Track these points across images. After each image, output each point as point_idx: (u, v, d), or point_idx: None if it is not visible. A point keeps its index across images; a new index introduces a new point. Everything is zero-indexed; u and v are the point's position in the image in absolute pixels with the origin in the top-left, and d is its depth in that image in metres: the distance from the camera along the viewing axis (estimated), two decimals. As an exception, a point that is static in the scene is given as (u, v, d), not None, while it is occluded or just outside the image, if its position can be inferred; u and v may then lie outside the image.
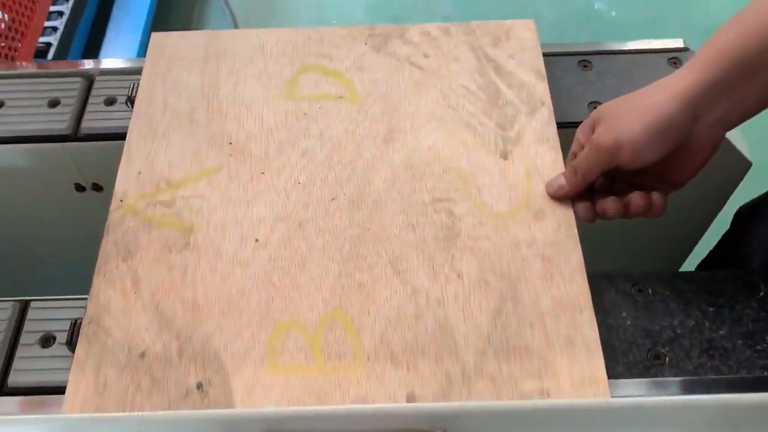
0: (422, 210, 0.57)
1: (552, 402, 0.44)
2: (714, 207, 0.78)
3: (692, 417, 0.40)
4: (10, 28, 1.09)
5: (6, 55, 1.05)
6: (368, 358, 0.50)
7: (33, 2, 1.16)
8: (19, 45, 1.08)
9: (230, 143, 0.62)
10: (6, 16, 1.08)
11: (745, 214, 0.72)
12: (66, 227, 0.77)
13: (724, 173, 0.72)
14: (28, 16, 1.12)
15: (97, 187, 0.73)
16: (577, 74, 0.71)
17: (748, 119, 0.53)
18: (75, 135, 0.67)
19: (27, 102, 0.69)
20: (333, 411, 0.41)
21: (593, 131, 0.54)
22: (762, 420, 0.40)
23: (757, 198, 0.71)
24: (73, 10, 1.42)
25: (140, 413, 0.46)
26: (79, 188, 0.73)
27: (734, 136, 0.68)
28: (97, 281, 0.54)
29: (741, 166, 0.70)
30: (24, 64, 1.01)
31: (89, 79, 0.71)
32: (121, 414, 0.46)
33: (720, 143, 0.53)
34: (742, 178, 0.72)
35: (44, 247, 0.81)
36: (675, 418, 0.40)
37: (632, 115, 0.52)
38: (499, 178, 0.59)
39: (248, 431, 0.41)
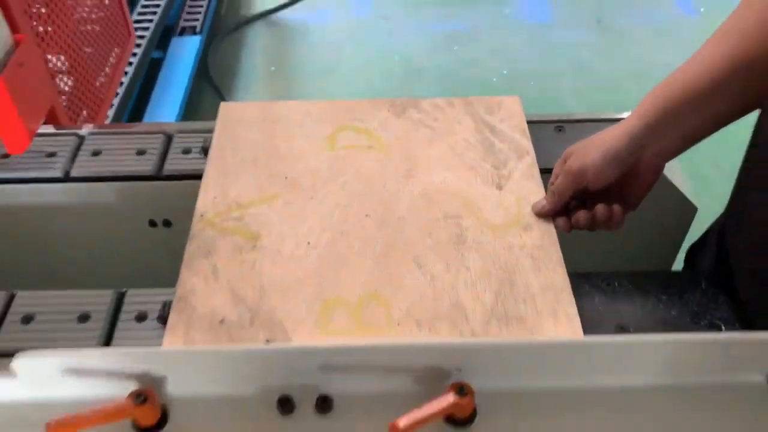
0: (436, 224, 0.73)
1: (541, 340, 0.58)
2: (669, 253, 0.94)
3: (652, 355, 0.53)
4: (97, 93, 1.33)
5: (92, 117, 1.27)
6: (398, 324, 0.64)
7: (114, 72, 1.41)
8: (100, 107, 1.30)
9: (285, 178, 0.79)
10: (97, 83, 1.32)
11: (693, 250, 0.87)
12: (138, 256, 0.92)
13: (674, 219, 0.88)
14: (110, 85, 1.36)
15: (167, 223, 0.89)
16: (553, 136, 0.89)
17: (680, 154, 0.70)
18: (158, 175, 0.85)
19: (119, 151, 0.87)
20: (365, 345, 0.54)
21: (565, 163, 0.72)
22: (705, 355, 0.54)
23: (702, 235, 0.87)
24: (131, 79, 1.73)
25: (225, 348, 0.58)
26: (152, 224, 0.89)
27: (682, 183, 0.86)
28: (185, 272, 0.69)
29: (688, 211, 0.87)
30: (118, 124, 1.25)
31: (168, 136, 0.90)
32: (208, 348, 0.59)
33: (661, 170, 0.70)
34: (690, 223, 0.89)
35: (118, 273, 0.95)
36: (637, 358, 0.54)
37: (593, 148, 0.69)
38: (496, 203, 0.76)
39: (305, 364, 0.53)
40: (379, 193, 0.78)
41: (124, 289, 0.71)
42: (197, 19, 2.43)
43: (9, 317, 0.69)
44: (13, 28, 0.80)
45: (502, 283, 0.67)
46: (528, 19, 2.97)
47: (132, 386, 0.51)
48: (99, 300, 0.70)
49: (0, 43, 0.69)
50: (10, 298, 0.70)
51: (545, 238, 0.72)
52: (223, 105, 0.90)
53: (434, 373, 0.52)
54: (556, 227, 0.73)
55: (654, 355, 0.53)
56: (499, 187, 0.78)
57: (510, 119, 0.88)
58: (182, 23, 2.41)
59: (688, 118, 0.67)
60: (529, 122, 0.87)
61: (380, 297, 0.67)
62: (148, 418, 0.51)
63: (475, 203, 0.76)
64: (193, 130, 0.91)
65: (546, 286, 0.67)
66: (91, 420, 0.48)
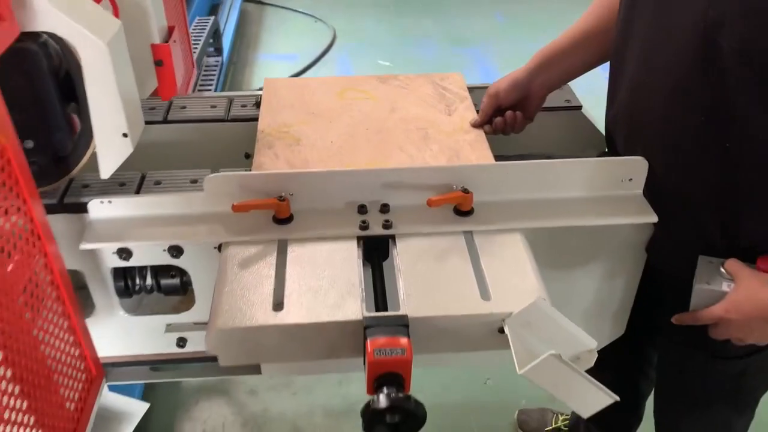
0: (410, 131, 1.20)
1: (515, 163, 1.04)
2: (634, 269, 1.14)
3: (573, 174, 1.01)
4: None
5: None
6: (400, 180, 1.11)
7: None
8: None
9: (312, 113, 1.25)
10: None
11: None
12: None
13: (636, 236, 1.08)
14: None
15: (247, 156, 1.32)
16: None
17: (557, 88, 1.22)
18: (225, 119, 1.29)
19: (200, 106, 1.31)
20: (407, 167, 0.99)
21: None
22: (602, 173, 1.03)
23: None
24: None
25: (327, 170, 1.01)
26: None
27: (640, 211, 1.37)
28: (255, 157, 1.12)
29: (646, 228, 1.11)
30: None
31: (230, 99, 1.34)
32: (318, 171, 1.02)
33: (545, 95, 1.21)
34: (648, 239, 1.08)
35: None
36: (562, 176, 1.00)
37: (504, 80, 1.20)
38: (447, 121, 1.24)
39: (373, 181, 0.98)
40: (374, 119, 1.25)
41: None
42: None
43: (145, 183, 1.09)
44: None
45: (452, 157, 1.14)
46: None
47: (275, 194, 0.96)
48: (202, 173, 1.11)
49: (162, 29, 1.12)
50: (143, 176, 1.10)
51: (478, 136, 1.20)
52: (266, 79, 1.35)
53: (448, 186, 0.98)
54: (485, 131, 1.22)
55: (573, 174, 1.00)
56: (449, 114, 1.27)
57: (455, 84, 1.37)
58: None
59: (557, 65, 1.19)
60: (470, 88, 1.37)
61: (378, 164, 1.13)
62: (284, 212, 0.95)
63: (434, 121, 1.24)
64: (246, 96, 1.35)
65: (479, 158, 1.16)
66: (256, 205, 0.93)
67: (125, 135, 0.94)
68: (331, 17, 4.31)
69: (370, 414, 0.74)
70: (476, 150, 1.16)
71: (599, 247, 1.07)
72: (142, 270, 1.10)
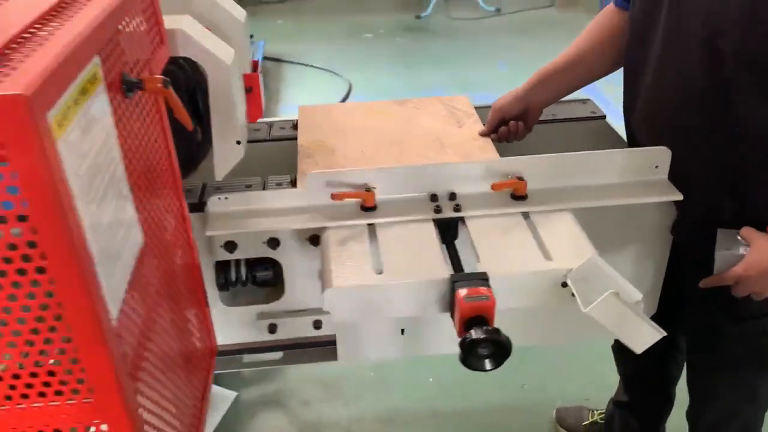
0: (427, 141, 1.39)
1: (556, 155, 1.24)
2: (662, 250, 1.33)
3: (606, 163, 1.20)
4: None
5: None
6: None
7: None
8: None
9: (342, 130, 1.45)
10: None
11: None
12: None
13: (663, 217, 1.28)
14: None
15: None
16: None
17: (552, 103, 1.42)
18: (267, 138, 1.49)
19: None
20: (472, 162, 1.19)
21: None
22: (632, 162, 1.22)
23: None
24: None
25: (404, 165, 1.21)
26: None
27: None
28: (299, 164, 1.30)
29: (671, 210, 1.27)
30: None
31: (270, 124, 1.55)
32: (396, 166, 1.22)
33: (542, 110, 1.41)
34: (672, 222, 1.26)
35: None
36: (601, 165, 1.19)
37: (507, 96, 1.40)
38: (458, 133, 1.43)
39: (442, 173, 1.18)
40: (395, 132, 1.43)
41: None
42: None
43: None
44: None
45: (465, 159, 1.32)
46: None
47: (363, 186, 1.15)
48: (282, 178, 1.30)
49: (249, 62, 1.35)
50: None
51: (486, 143, 1.39)
52: (300, 106, 1.56)
53: (505, 175, 1.17)
54: (491, 140, 1.40)
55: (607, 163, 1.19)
56: (460, 126, 1.46)
57: (462, 104, 1.57)
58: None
59: (553, 83, 1.40)
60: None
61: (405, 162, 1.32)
62: (370, 201, 1.14)
63: (447, 132, 1.42)
64: (283, 120, 1.56)
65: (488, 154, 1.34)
66: (348, 195, 1.12)
67: (238, 142, 1.14)
68: (347, 72, 4.61)
69: (468, 344, 0.91)
70: (486, 153, 1.35)
71: (633, 229, 1.25)
72: (238, 264, 1.28)
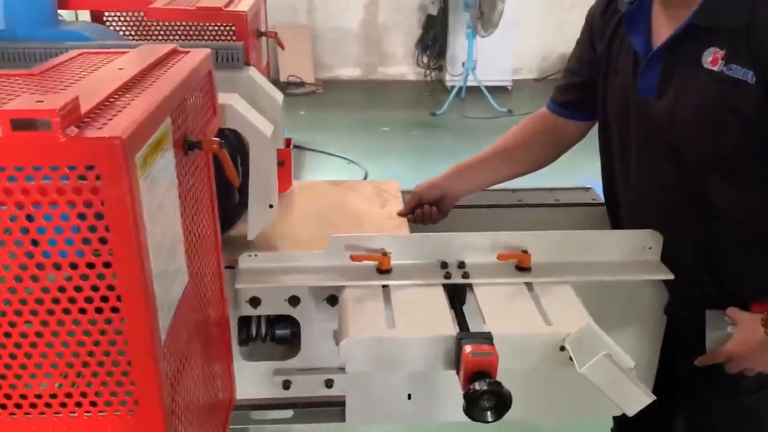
0: (351, 219, 1.52)
1: (558, 232, 1.36)
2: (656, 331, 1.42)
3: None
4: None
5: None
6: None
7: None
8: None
9: (290, 208, 1.58)
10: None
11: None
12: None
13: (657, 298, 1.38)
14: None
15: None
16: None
17: (467, 194, 1.56)
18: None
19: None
20: (477, 234, 1.31)
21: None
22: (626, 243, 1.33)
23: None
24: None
25: (416, 235, 1.32)
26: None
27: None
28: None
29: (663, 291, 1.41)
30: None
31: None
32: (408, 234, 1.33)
33: (458, 199, 1.55)
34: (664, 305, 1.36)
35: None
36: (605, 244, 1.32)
37: (425, 183, 1.54)
38: (381, 212, 1.55)
39: (452, 243, 1.29)
40: (324, 211, 1.58)
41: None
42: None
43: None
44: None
45: None
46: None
47: (380, 251, 1.26)
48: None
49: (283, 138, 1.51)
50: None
51: (401, 222, 1.52)
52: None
53: (511, 248, 1.28)
54: (408, 220, 1.53)
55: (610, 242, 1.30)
56: (383, 207, 1.60)
57: (391, 188, 1.70)
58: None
59: (468, 177, 1.55)
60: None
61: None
62: (386, 264, 1.24)
63: (370, 212, 1.56)
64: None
65: None
66: (366, 258, 1.22)
67: (271, 206, 1.26)
68: (364, 161, 4.84)
69: (472, 396, 0.99)
70: (398, 231, 1.49)
71: (628, 307, 1.34)
72: (258, 321, 1.37)
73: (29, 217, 0.67)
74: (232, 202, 1.24)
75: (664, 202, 1.31)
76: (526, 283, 1.24)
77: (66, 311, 0.71)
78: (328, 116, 5.93)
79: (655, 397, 1.04)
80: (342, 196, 1.66)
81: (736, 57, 1.14)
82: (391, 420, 1.45)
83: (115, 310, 0.71)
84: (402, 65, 7.11)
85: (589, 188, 1.69)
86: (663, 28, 1.27)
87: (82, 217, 0.66)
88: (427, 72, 6.91)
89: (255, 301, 1.30)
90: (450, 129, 5.71)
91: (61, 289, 0.70)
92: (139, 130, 0.69)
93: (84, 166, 0.64)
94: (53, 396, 0.74)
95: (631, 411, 1.05)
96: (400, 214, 1.55)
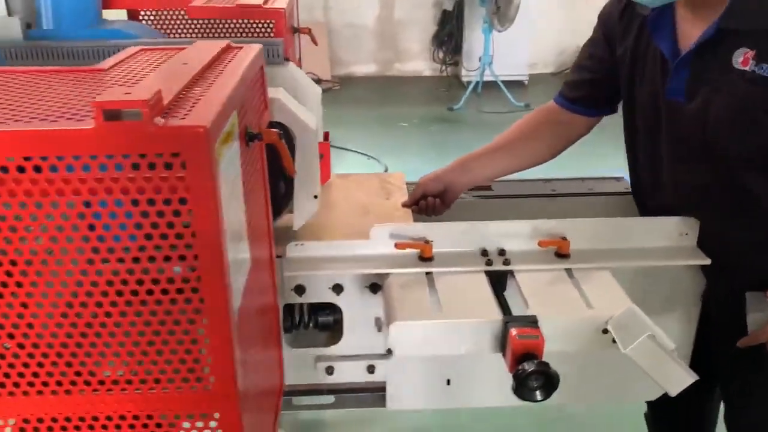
0: (357, 209, 1.55)
1: (596, 219, 1.38)
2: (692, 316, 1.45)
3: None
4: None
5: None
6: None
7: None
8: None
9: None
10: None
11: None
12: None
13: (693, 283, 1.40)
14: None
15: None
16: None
17: (470, 187, 1.59)
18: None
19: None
20: (518, 222, 1.34)
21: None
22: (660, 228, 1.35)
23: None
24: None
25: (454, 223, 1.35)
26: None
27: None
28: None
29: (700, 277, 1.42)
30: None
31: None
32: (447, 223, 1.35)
33: (461, 192, 1.58)
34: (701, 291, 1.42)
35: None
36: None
37: (430, 174, 1.57)
38: (385, 203, 1.58)
39: (491, 232, 1.32)
40: (331, 203, 1.59)
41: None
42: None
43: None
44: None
45: None
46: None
47: (422, 239, 1.29)
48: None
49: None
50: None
51: (405, 213, 1.53)
52: None
53: (551, 235, 1.31)
54: (412, 211, 1.55)
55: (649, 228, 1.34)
56: (387, 198, 1.62)
57: (397, 179, 1.72)
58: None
59: (472, 170, 1.57)
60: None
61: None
62: (428, 252, 1.28)
63: (375, 203, 1.58)
64: None
65: None
66: (410, 246, 1.26)
67: (315, 197, 1.30)
68: (383, 156, 4.87)
69: (521, 376, 1.02)
70: (403, 221, 1.50)
71: (664, 293, 1.37)
72: (301, 309, 1.41)
73: (118, 203, 0.71)
74: (278, 193, 1.28)
75: (700, 199, 1.33)
76: (565, 269, 1.27)
77: (149, 292, 0.75)
78: (346, 113, 5.96)
79: (698, 377, 1.07)
80: (348, 189, 1.68)
81: (767, 56, 1.17)
82: (430, 405, 1.48)
83: (195, 290, 0.75)
84: (417, 61, 7.14)
85: (621, 178, 1.71)
86: (689, 31, 1.29)
87: (167, 202, 0.70)
88: (443, 68, 6.92)
89: (300, 289, 1.33)
90: (468, 124, 5.73)
91: (145, 271, 0.74)
92: (217, 120, 0.73)
93: (170, 153, 0.68)
94: (148, 372, 0.79)
95: (674, 391, 1.08)
96: (405, 205, 1.57)
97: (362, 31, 7.03)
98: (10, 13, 1.49)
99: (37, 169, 0.69)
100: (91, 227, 0.72)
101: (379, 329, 1.38)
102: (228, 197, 0.79)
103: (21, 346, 0.77)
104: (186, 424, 0.83)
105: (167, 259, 0.73)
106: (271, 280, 1.17)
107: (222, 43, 1.06)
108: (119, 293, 0.75)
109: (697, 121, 1.27)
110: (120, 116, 0.67)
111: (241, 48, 1.08)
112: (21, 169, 0.69)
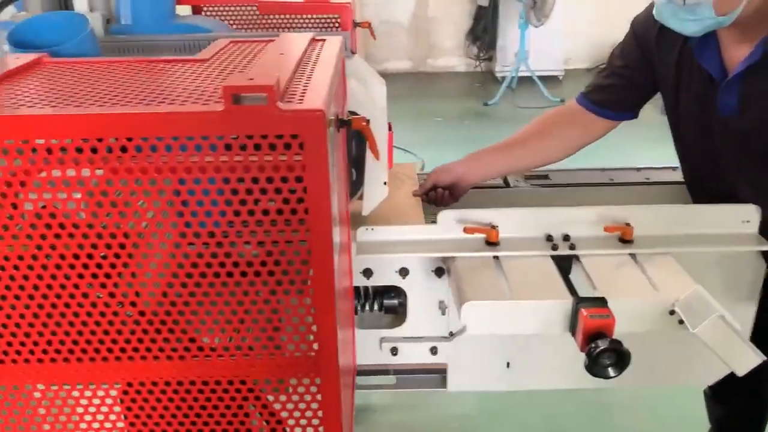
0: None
1: (657, 206, 1.42)
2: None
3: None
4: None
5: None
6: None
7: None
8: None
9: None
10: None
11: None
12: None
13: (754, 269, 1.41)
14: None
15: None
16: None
17: (483, 181, 1.63)
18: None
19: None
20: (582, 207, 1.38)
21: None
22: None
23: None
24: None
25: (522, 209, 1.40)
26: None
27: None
28: None
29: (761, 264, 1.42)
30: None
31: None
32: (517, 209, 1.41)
33: (471, 186, 1.61)
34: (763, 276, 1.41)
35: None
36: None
37: (441, 167, 1.60)
38: (396, 193, 1.61)
39: (558, 219, 1.36)
40: None
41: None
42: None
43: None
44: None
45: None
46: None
47: (488, 224, 1.34)
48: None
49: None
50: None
51: (416, 202, 1.56)
52: None
53: (614, 221, 1.34)
54: (423, 200, 1.58)
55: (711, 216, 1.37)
56: (399, 188, 1.64)
57: (408, 170, 1.77)
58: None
59: (484, 165, 1.60)
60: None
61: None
62: (495, 237, 1.33)
63: (391, 193, 1.51)
64: None
65: (414, 215, 1.50)
66: (478, 230, 1.31)
67: (385, 183, 1.36)
68: (419, 150, 4.92)
69: (594, 354, 1.06)
70: (412, 209, 1.55)
71: (724, 280, 1.40)
72: (366, 292, 1.47)
73: (240, 180, 0.77)
74: (350, 180, 1.34)
75: (756, 190, 1.37)
76: (630, 254, 1.31)
77: (249, 263, 0.81)
78: (381, 108, 6.02)
79: (766, 357, 1.10)
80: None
81: None
82: (490, 387, 1.53)
83: (305, 262, 0.81)
84: (451, 57, 7.17)
85: (677, 167, 1.73)
86: (735, 51, 1.34)
87: (284, 180, 0.76)
88: (477, 63, 6.94)
89: (368, 272, 1.39)
90: (503, 119, 5.74)
91: (261, 244, 0.80)
92: (327, 106, 0.79)
93: (290, 135, 0.74)
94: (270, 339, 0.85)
95: (742, 371, 1.12)
96: (415, 195, 1.61)
97: (396, 27, 7.08)
98: (91, 9, 1.58)
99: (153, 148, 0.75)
100: (199, 203, 0.78)
101: (443, 312, 1.43)
102: (334, 179, 0.85)
103: (130, 314, 0.84)
104: (289, 389, 0.89)
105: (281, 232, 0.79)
106: (349, 262, 1.23)
107: (308, 36, 1.12)
108: (222, 264, 0.81)
109: (755, 131, 1.33)
110: (246, 100, 0.73)
111: (324, 40, 1.14)
112: (138, 149, 0.75)
